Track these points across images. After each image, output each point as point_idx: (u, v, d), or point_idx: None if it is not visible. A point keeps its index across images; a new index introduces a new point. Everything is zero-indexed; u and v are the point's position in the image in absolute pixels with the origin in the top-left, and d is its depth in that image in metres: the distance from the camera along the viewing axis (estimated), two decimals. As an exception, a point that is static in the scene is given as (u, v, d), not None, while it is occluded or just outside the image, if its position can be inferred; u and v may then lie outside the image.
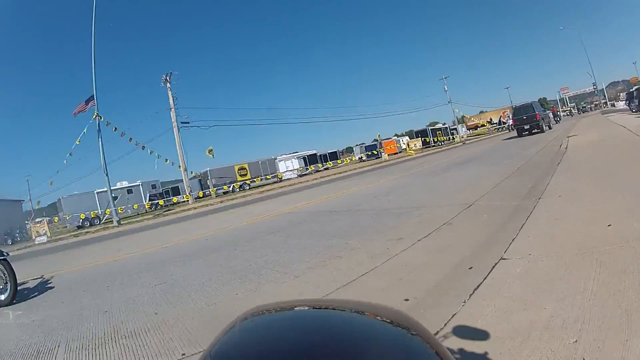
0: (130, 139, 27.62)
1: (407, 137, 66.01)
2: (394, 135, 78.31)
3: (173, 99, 30.88)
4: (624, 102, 54.62)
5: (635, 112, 22.03)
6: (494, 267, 3.34)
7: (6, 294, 5.71)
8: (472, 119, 75.68)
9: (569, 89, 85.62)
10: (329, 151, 59.96)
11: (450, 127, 66.60)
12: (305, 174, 43.41)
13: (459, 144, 42.42)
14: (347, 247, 5.26)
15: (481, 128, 71.43)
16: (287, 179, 41.44)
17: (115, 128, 26.53)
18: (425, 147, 51.61)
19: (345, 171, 30.90)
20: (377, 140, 54.81)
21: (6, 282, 5.74)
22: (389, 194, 10.54)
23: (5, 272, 5.78)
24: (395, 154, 47.27)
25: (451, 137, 60.08)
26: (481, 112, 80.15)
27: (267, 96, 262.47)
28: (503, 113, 70.07)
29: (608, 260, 2.86)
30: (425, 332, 0.64)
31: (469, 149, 24.65)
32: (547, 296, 2.55)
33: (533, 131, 24.70)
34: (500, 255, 3.59)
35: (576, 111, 79.29)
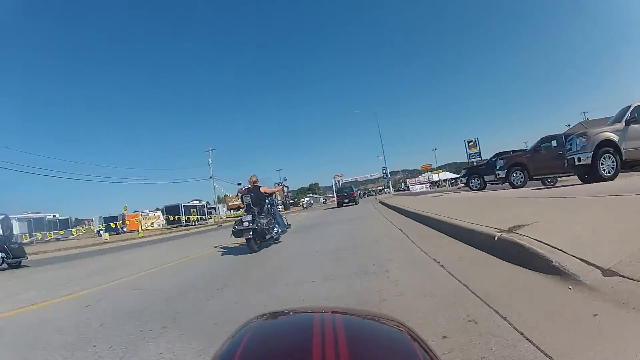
0: None
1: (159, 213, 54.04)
2: (150, 211, 66.55)
3: None
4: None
5: (477, 189, 19.38)
6: None
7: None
8: (235, 198, 68.79)
9: (344, 175, 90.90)
10: (62, 217, 45.63)
11: (209, 206, 57.98)
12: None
13: (213, 225, 32.71)
14: None
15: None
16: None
17: None
18: (176, 226, 41.44)
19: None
20: (125, 211, 41.64)
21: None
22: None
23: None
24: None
25: (207, 217, 50.69)
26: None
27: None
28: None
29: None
30: (423, 342, 0.68)
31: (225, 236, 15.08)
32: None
33: (350, 203, 34.26)
34: None
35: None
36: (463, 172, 21.49)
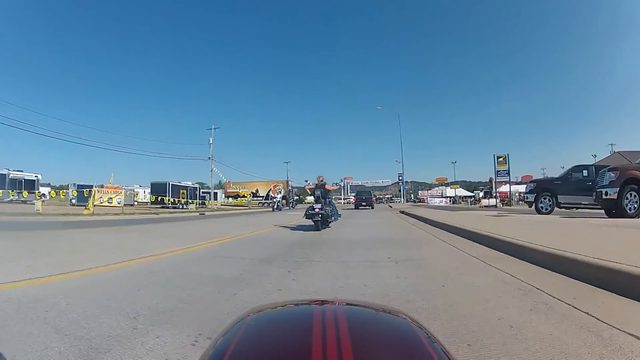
0: None
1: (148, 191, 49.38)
2: (140, 186, 61.80)
3: None
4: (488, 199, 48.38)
5: (546, 212, 14.28)
6: None
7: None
8: (234, 185, 62.92)
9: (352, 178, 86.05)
10: (28, 176, 41.26)
11: (203, 189, 52.43)
12: None
13: (193, 213, 27.23)
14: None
15: (242, 199, 59.46)
16: None
17: None
18: (162, 207, 36.37)
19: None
20: (111, 182, 39.00)
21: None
22: None
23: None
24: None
25: (199, 202, 45.06)
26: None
27: None
28: (274, 187, 59.45)
29: None
30: (428, 331, 0.65)
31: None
32: None
33: (367, 207, 35.14)
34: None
35: None
36: (529, 186, 15.66)
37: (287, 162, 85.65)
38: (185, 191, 44.63)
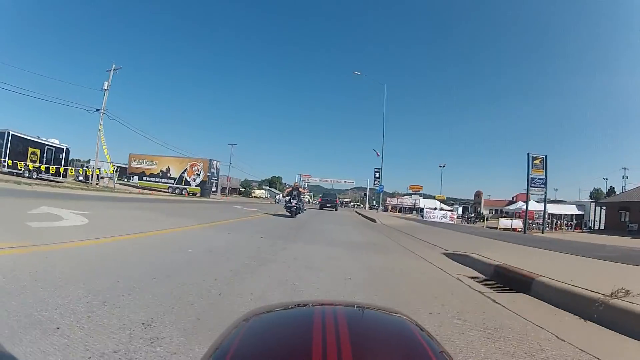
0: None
1: None
2: None
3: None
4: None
5: None
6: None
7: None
8: (135, 158, 44.84)
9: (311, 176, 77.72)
10: None
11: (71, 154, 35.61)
12: None
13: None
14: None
15: (149, 179, 43.01)
16: None
17: None
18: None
19: None
20: None
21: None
22: None
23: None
24: None
25: (63, 170, 28.55)
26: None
27: None
28: (191, 166, 42.90)
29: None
30: (427, 331, 0.67)
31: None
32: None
33: (331, 208, 37.46)
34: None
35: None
36: None
37: (232, 145, 74.77)
38: (39, 150, 28.10)
